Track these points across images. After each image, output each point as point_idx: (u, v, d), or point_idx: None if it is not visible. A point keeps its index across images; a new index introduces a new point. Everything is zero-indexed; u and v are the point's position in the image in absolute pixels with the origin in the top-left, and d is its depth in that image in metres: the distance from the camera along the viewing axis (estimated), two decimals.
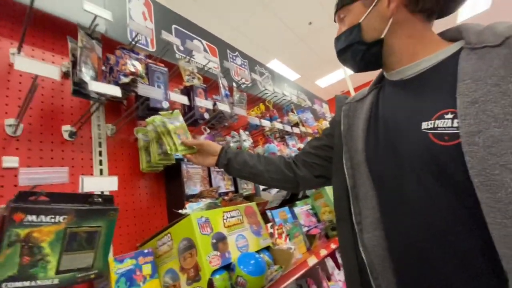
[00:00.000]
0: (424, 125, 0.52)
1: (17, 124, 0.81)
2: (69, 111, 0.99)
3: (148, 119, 1.02)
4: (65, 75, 0.98)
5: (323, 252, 1.27)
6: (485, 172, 0.43)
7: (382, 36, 0.61)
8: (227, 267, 0.81)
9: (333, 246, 1.40)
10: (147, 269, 0.84)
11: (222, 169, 0.91)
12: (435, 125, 0.50)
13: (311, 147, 0.85)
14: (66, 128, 0.94)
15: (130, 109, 1.00)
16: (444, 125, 0.49)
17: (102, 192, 0.80)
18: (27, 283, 0.56)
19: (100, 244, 0.67)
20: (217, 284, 0.75)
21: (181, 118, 1.02)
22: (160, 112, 0.98)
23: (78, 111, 1.00)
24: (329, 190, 1.70)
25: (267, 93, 1.78)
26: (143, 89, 0.85)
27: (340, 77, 6.69)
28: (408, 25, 0.59)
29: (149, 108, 1.06)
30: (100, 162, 1.01)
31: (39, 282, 0.58)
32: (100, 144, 1.03)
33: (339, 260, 1.67)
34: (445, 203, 0.49)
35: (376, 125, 0.64)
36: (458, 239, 0.48)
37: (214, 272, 0.77)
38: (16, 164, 0.81)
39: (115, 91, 0.76)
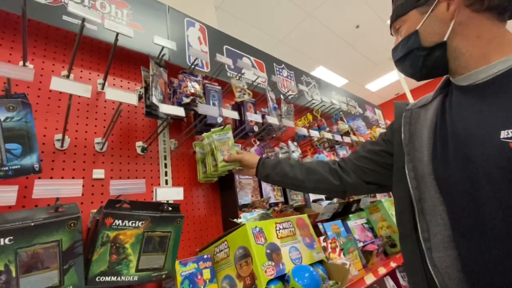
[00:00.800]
0: (504, 134, 0.46)
1: (104, 142, 0.98)
2: (141, 129, 1.14)
3: (204, 134, 1.12)
4: (139, 98, 1.14)
5: (382, 271, 1.18)
6: None
7: (445, 39, 0.58)
8: (281, 278, 0.83)
9: (393, 264, 1.29)
10: (206, 274, 0.91)
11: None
12: None
13: (365, 150, 0.81)
14: (139, 144, 1.09)
15: (190, 126, 1.12)
16: None
17: (167, 201, 0.91)
18: (114, 278, 0.67)
19: (169, 248, 0.75)
20: None
21: (230, 134, 1.10)
22: (212, 129, 1.07)
23: (148, 129, 1.15)
24: (385, 203, 1.59)
25: (314, 103, 1.77)
26: (201, 108, 0.94)
27: (393, 79, 6.23)
28: (475, 25, 0.55)
29: (206, 124, 1.16)
30: (166, 174, 1.14)
31: (123, 278, 0.68)
32: (165, 157, 1.16)
33: (401, 281, 1.52)
34: None
35: (443, 134, 0.59)
36: None
37: (269, 282, 0.79)
38: (103, 176, 0.96)
39: (180, 111, 0.87)
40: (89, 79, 1.07)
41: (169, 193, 0.74)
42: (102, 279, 0.65)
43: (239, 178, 1.23)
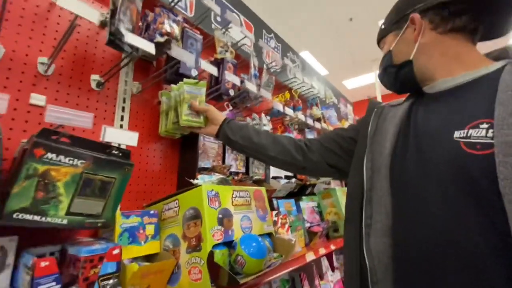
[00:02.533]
0: (457, 133, 0.51)
1: (49, 64, 0.82)
2: (100, 61, 0.98)
3: (174, 86, 1.01)
4: (101, 24, 0.97)
5: (322, 251, 1.25)
6: None
7: (410, 57, 0.66)
8: (228, 245, 0.81)
9: (332, 247, 1.38)
10: (150, 229, 0.85)
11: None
12: (468, 134, 0.49)
13: (334, 134, 0.84)
14: (95, 77, 0.94)
15: (160, 71, 0.99)
16: (478, 134, 0.48)
17: (119, 145, 0.81)
18: (37, 218, 0.58)
19: (111, 195, 0.67)
20: (216, 258, 0.75)
21: (203, 91, 1.00)
22: (185, 79, 0.96)
23: (109, 63, 1.00)
24: (338, 192, 1.67)
25: (295, 82, 1.73)
26: (176, 51, 0.83)
27: (369, 81, 6.45)
28: (440, 45, 0.62)
29: (178, 73, 1.04)
30: (122, 118, 1.01)
31: (48, 219, 0.59)
32: (124, 100, 1.03)
33: (335, 263, 1.65)
34: (468, 215, 0.47)
35: (406, 132, 0.63)
36: (477, 255, 0.45)
37: (215, 246, 0.76)
38: (43, 103, 0.82)
39: (149, 47, 0.75)
40: None
41: (120, 135, 0.65)
42: (21, 216, 0.55)
43: (203, 140, 1.16)
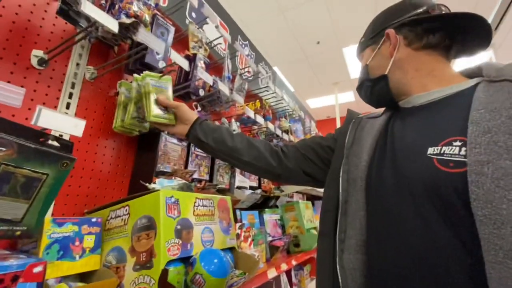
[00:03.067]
0: (430, 150, 0.50)
1: None
2: (46, 35, 0.83)
3: (138, 76, 0.89)
4: None
5: (284, 267, 1.20)
6: (491, 205, 0.40)
7: (386, 72, 0.66)
8: (186, 261, 0.70)
9: (293, 262, 1.33)
10: (89, 241, 0.70)
11: (194, 144, 0.84)
12: (442, 151, 0.49)
13: (312, 142, 0.81)
14: (37, 53, 0.78)
15: (121, 55, 0.87)
16: (451, 152, 0.47)
17: (61, 136, 0.66)
18: None
19: (39, 197, 0.53)
20: (169, 277, 0.63)
21: (170, 86, 0.90)
22: (147, 72, 0.85)
23: (57, 39, 0.84)
24: (301, 205, 1.65)
25: (267, 91, 1.71)
26: (143, 35, 0.73)
27: (330, 103, 6.85)
28: (414, 61, 0.64)
29: (142, 63, 0.93)
30: (68, 106, 0.85)
31: None
32: (73, 86, 0.87)
33: (293, 279, 1.61)
34: (439, 234, 0.46)
35: (383, 146, 0.63)
36: (448, 275, 0.44)
37: (170, 263, 0.65)
38: None
39: (112, 24, 0.64)
40: None
41: (61, 121, 0.52)
42: None
43: (165, 141, 1.04)
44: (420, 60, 0.64)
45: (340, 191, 0.63)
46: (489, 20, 1.30)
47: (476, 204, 0.41)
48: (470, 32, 0.61)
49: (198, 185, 1.12)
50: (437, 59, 0.63)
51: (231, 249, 0.90)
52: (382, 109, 0.75)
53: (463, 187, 0.43)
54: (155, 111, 0.80)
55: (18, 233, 0.51)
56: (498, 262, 0.38)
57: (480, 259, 0.40)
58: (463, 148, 0.46)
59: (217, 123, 1.34)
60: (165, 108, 0.83)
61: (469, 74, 0.61)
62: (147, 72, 0.86)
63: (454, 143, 0.48)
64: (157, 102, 0.82)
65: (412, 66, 0.64)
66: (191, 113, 0.83)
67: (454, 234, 0.44)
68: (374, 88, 0.70)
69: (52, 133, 0.73)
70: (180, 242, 0.69)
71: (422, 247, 0.47)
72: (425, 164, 0.50)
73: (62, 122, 0.52)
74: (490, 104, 0.47)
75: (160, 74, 0.88)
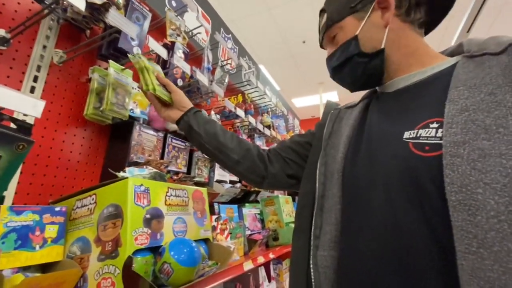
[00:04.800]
0: (406, 134, 0.47)
1: None
2: (10, 13, 0.77)
3: (113, 63, 0.86)
4: None
5: (261, 260, 1.20)
6: (466, 189, 0.37)
7: (382, 46, 0.57)
8: (155, 250, 0.69)
9: (271, 255, 1.33)
10: (51, 231, 0.67)
11: (182, 132, 0.80)
12: (418, 135, 0.45)
13: (292, 142, 0.77)
14: None
15: (92, 39, 0.83)
16: (427, 135, 0.44)
17: (24, 119, 0.62)
18: None
19: None
20: (136, 266, 0.61)
21: (159, 69, 0.88)
22: (140, 53, 0.82)
23: (22, 17, 0.79)
24: (281, 199, 1.66)
25: (249, 86, 1.70)
26: (115, 18, 0.70)
27: (315, 102, 6.95)
28: (404, 35, 0.57)
29: (116, 49, 0.90)
30: (32, 90, 0.81)
31: None
32: (38, 69, 0.83)
33: (272, 273, 1.62)
34: (409, 223, 0.42)
35: (360, 135, 0.59)
36: (417, 270, 0.41)
37: (137, 252, 0.63)
38: None
39: (79, 2, 0.60)
40: None
41: (17, 99, 0.48)
42: None
43: (139, 130, 1.01)
44: (408, 35, 0.57)
45: (317, 184, 0.60)
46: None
47: (450, 188, 0.38)
48: (441, 10, 0.59)
49: (174, 177, 1.09)
50: (419, 36, 0.58)
51: (205, 241, 0.89)
52: (358, 98, 0.70)
53: (438, 171, 0.40)
54: (158, 86, 0.77)
55: None
56: (472, 252, 0.35)
57: (452, 250, 0.37)
58: (440, 130, 0.43)
59: None
60: (163, 86, 0.80)
61: (450, 53, 0.57)
62: (138, 53, 0.83)
63: (431, 125, 0.44)
64: (157, 77, 0.79)
65: (403, 41, 0.57)
66: (187, 101, 0.81)
67: (426, 226, 0.41)
68: (368, 65, 0.59)
69: (15, 115, 0.69)
70: (149, 231, 0.67)
71: (394, 242, 0.44)
72: (400, 149, 0.47)
73: (19, 100, 0.49)
74: (469, 80, 0.44)
75: (149, 58, 0.85)
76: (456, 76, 0.46)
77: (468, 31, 1.40)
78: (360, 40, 0.59)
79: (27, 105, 0.51)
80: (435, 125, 0.44)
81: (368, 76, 0.61)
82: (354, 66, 0.60)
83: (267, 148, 1.06)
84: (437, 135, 0.43)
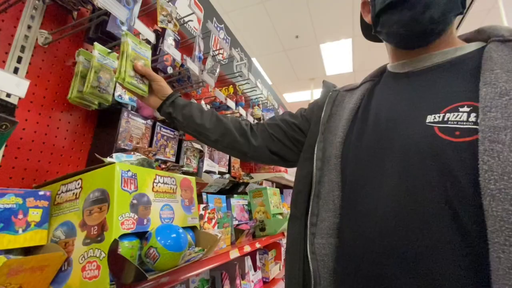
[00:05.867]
0: (430, 118, 0.44)
1: None
2: None
3: (98, 45, 0.84)
4: None
5: (247, 249, 1.22)
6: (508, 177, 0.33)
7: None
8: (141, 236, 0.69)
9: (258, 245, 1.36)
10: (35, 215, 0.66)
11: (164, 118, 0.81)
12: (445, 118, 0.42)
13: (280, 119, 0.77)
14: None
15: (79, 20, 0.81)
16: (457, 119, 0.41)
17: (7, 98, 0.60)
18: None
19: None
20: (122, 251, 0.62)
21: (149, 55, 0.86)
22: (128, 32, 0.80)
23: None
24: (269, 191, 1.68)
25: (240, 77, 1.69)
26: (104, 0, 0.68)
27: (306, 98, 6.99)
28: None
29: (103, 32, 0.87)
30: (15, 70, 0.78)
31: None
32: (22, 49, 0.80)
33: (257, 262, 1.65)
34: (431, 212, 0.39)
35: (365, 117, 0.56)
36: (438, 263, 0.37)
37: (123, 237, 0.64)
38: None
39: None
40: None
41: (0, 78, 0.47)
42: None
43: (127, 116, 0.99)
44: None
45: (314, 170, 0.58)
46: None
47: (488, 176, 0.35)
48: None
49: (163, 165, 1.09)
50: None
51: (193, 229, 0.90)
52: (359, 81, 0.68)
53: (471, 157, 0.37)
54: (130, 78, 0.75)
55: None
56: (510, 245, 0.32)
57: (480, 240, 0.34)
58: (473, 114, 0.40)
59: None
60: (142, 76, 0.79)
61: (466, 39, 0.54)
62: (128, 32, 0.81)
63: (461, 109, 0.42)
64: (135, 67, 0.77)
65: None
66: (167, 88, 0.81)
67: (448, 212, 0.38)
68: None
69: None
70: (136, 217, 0.67)
71: (407, 229, 0.41)
72: (423, 133, 0.43)
73: (1, 78, 0.47)
74: (506, 64, 0.41)
75: (142, 41, 0.83)
76: (489, 59, 0.43)
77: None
78: None
79: (10, 83, 0.49)
80: (465, 109, 0.41)
81: (439, 30, 0.50)
82: (454, 5, 0.48)
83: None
84: (470, 120, 0.40)
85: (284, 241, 1.93)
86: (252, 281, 1.50)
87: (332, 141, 0.58)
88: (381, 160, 0.48)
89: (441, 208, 0.39)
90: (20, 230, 0.63)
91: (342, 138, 0.57)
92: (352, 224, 0.49)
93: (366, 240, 0.45)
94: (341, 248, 0.50)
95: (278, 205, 1.72)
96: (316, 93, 6.41)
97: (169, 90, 0.81)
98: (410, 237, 0.40)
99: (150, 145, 1.11)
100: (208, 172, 1.43)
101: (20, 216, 0.63)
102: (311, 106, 0.76)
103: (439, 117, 0.43)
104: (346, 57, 5.18)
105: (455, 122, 0.41)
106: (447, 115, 0.42)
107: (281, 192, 2.06)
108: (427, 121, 0.44)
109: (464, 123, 0.40)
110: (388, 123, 0.50)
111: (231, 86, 1.71)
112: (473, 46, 0.50)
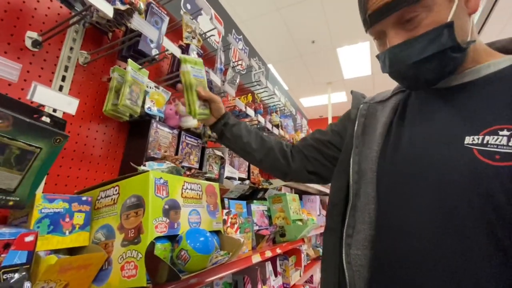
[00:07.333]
0: (468, 139, 0.44)
1: None
2: (41, 18, 0.84)
3: (182, 56, 0.88)
4: None
5: (268, 254, 1.24)
6: None
7: (469, 38, 0.48)
8: (172, 239, 0.74)
9: (278, 251, 1.38)
10: (79, 219, 0.73)
11: (215, 135, 0.87)
12: (484, 141, 0.42)
13: (312, 139, 0.80)
14: (31, 35, 0.79)
15: (114, 42, 0.89)
16: (497, 142, 0.41)
17: (54, 110, 0.68)
18: None
19: (32, 170, 0.55)
20: (156, 252, 0.67)
21: (204, 73, 0.90)
22: (184, 55, 0.85)
23: (52, 22, 0.86)
24: (288, 197, 1.70)
25: (259, 86, 1.74)
26: (138, 22, 0.76)
27: (324, 102, 6.94)
28: (469, 27, 0.48)
29: (135, 50, 0.95)
30: (60, 88, 0.87)
31: None
32: (66, 69, 0.89)
33: (278, 268, 1.66)
34: (469, 235, 0.40)
35: (399, 132, 0.56)
36: (471, 274, 0.38)
37: (157, 239, 0.69)
38: None
39: (107, 8, 0.66)
40: None
41: (55, 98, 0.54)
42: None
43: (156, 127, 1.07)
44: (471, 27, 0.49)
45: (351, 183, 0.59)
46: None
47: None
48: None
49: (188, 172, 1.15)
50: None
51: (217, 233, 0.94)
52: (390, 91, 0.67)
53: (511, 182, 0.37)
54: (199, 109, 0.82)
55: (11, 203, 0.54)
56: None
57: None
58: None
59: None
60: (204, 101, 0.84)
61: (503, 48, 0.52)
62: (185, 56, 0.86)
63: (501, 132, 0.41)
64: (199, 95, 0.82)
65: (474, 34, 0.49)
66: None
67: (489, 236, 0.39)
68: (458, 61, 0.49)
69: (46, 109, 0.75)
70: (168, 221, 0.72)
71: (443, 246, 0.42)
72: (462, 154, 0.43)
73: (56, 99, 0.55)
74: None
75: (196, 58, 0.88)
76: None
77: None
78: (455, 28, 0.46)
79: (63, 103, 0.57)
80: (505, 132, 0.41)
81: (449, 72, 0.50)
82: (446, 61, 0.48)
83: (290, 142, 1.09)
84: (510, 144, 0.40)
85: (304, 248, 1.92)
86: (273, 287, 1.51)
87: (367, 155, 0.59)
88: (417, 178, 0.48)
89: (481, 231, 0.40)
90: (67, 232, 0.70)
91: (377, 153, 0.57)
92: (387, 239, 0.50)
93: (401, 257, 0.46)
94: (376, 261, 0.51)
95: (298, 211, 1.73)
96: (333, 97, 6.35)
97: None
98: (449, 257, 0.41)
99: (176, 153, 1.17)
100: (229, 178, 1.48)
101: (67, 219, 0.71)
102: (341, 120, 0.78)
103: (478, 139, 0.43)
104: (364, 60, 5.11)
105: (495, 146, 0.41)
106: (487, 137, 0.42)
107: (300, 198, 2.06)
108: (465, 142, 0.44)
109: (504, 147, 0.40)
110: (425, 140, 0.50)
111: (250, 94, 1.76)
112: (508, 61, 0.48)
